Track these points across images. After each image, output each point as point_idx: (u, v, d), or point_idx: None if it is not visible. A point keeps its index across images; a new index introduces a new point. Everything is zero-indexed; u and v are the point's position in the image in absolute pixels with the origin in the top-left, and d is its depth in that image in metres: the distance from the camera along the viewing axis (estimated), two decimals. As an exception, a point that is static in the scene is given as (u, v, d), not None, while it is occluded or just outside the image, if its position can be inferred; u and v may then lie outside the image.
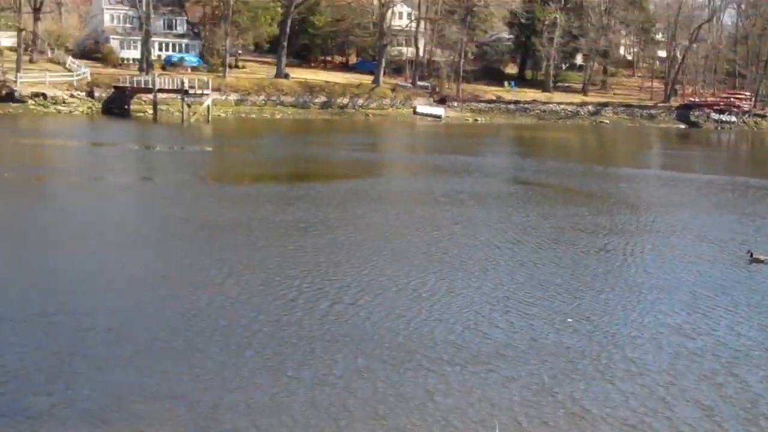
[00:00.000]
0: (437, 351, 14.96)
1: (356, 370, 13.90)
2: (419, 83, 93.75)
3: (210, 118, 71.33)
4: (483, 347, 15.31)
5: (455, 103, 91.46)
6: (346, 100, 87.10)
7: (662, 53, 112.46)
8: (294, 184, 36.49)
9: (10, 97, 72.21)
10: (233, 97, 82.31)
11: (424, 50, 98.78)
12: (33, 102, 72.89)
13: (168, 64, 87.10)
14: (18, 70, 74.30)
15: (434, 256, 22.38)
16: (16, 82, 73.18)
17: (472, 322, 16.73)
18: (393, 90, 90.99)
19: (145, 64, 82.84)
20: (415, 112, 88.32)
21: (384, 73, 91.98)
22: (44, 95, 73.53)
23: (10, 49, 79.67)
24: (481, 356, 14.84)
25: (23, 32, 77.83)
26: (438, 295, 18.49)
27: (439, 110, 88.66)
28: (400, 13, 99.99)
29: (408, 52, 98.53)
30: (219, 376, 13.33)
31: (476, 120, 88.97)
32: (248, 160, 47.67)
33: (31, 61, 79.42)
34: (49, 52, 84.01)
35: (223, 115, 77.15)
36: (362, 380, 13.51)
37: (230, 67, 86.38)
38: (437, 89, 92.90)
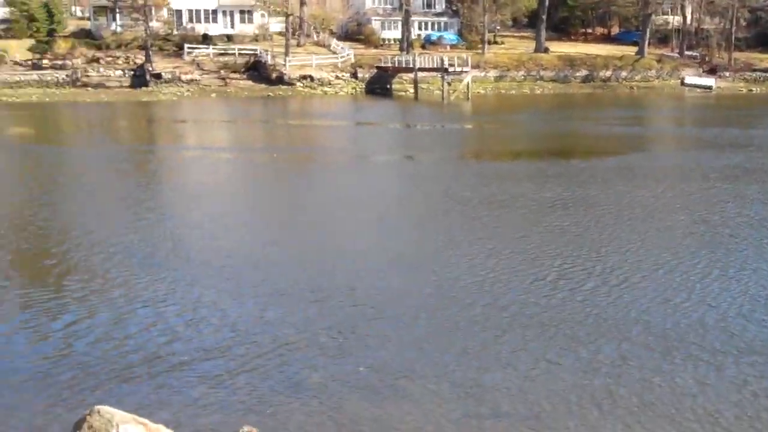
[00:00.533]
0: (708, 339, 14.02)
1: (621, 356, 13.27)
2: (687, 53, 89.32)
3: (469, 96, 71.64)
4: (760, 336, 14.19)
5: (727, 73, 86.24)
6: (608, 73, 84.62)
7: None
8: (554, 161, 35.72)
9: (279, 80, 76.20)
10: (492, 73, 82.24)
11: (692, 18, 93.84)
12: (301, 84, 76.46)
13: (427, 43, 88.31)
14: (286, 54, 78.18)
15: (704, 236, 21.10)
16: (285, 65, 77.02)
17: (747, 308, 15.55)
18: (659, 61, 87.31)
19: (405, 43, 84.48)
20: (682, 84, 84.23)
21: (648, 44, 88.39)
22: (311, 77, 76.91)
23: (279, 34, 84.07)
24: (756, 346, 13.76)
25: (291, 17, 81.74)
26: (709, 279, 17.36)
27: (709, 81, 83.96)
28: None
29: (674, 20, 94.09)
30: (479, 356, 13.19)
31: (750, 90, 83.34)
32: (507, 137, 47.37)
33: (298, 45, 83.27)
34: (315, 36, 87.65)
35: (482, 92, 77.27)
36: (627, 366, 12.88)
37: (489, 43, 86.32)
38: (707, 58, 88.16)
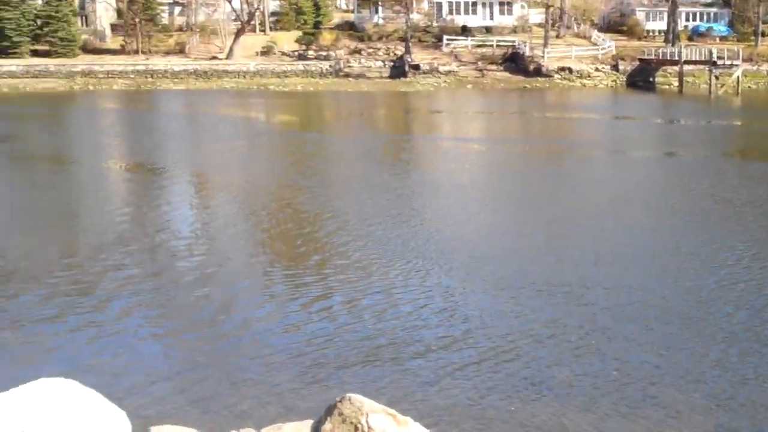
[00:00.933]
0: None
1: None
2: None
3: (739, 90, 67.51)
4: None
5: None
6: None
7: None
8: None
9: (537, 71, 75.50)
10: (765, 67, 77.14)
11: None
12: (559, 76, 75.36)
13: (695, 35, 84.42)
14: (545, 45, 77.32)
15: None
16: (543, 57, 76.17)
17: None
18: None
19: (671, 35, 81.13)
20: None
21: None
22: (569, 69, 75.63)
23: (538, 25, 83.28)
24: None
25: (551, 9, 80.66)
26: None
27: None
28: None
29: None
30: (737, 368, 12.12)
31: None
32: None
33: (557, 37, 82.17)
34: (575, 27, 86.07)
35: (753, 86, 72.68)
36: None
37: (762, 35, 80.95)
38: None
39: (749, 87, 71.11)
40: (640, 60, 75.85)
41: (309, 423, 6.87)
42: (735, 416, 10.69)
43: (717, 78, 67.80)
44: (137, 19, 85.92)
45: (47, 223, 21.34)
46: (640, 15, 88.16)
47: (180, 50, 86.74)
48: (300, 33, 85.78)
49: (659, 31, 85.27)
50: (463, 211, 22.70)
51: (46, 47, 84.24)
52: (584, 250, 18.61)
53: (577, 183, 28.46)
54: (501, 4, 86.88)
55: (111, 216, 22.06)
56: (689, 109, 59.98)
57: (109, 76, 78.85)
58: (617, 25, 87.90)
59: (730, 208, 23.12)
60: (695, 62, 70.88)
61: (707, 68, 68.59)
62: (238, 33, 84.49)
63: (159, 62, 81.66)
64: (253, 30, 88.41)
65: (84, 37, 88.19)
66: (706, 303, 14.88)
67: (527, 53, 77.43)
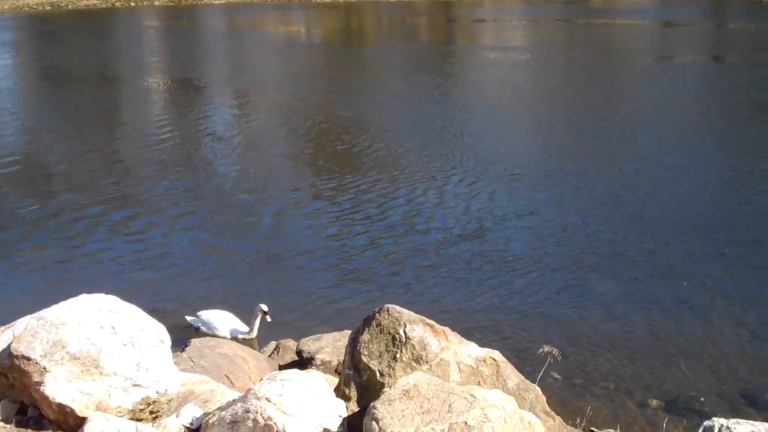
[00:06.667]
0: None
1: None
2: None
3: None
4: None
5: None
6: None
7: None
8: None
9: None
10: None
11: None
12: (606, -19, 73.42)
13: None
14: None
15: None
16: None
17: None
18: None
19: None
20: None
21: None
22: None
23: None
24: None
25: None
26: None
27: None
28: None
29: None
30: None
31: None
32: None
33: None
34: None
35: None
36: None
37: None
38: None
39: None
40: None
41: (347, 333, 6.93)
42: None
43: (770, -21, 65.59)
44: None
45: (92, 137, 21.49)
46: None
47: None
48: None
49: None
50: (505, 125, 22.46)
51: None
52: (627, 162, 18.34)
53: (624, 91, 27.96)
54: None
55: (152, 132, 22.14)
56: (739, 13, 58.28)
57: (150, -9, 78.36)
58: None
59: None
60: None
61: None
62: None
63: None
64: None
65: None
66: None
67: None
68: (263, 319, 9.62)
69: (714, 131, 21.43)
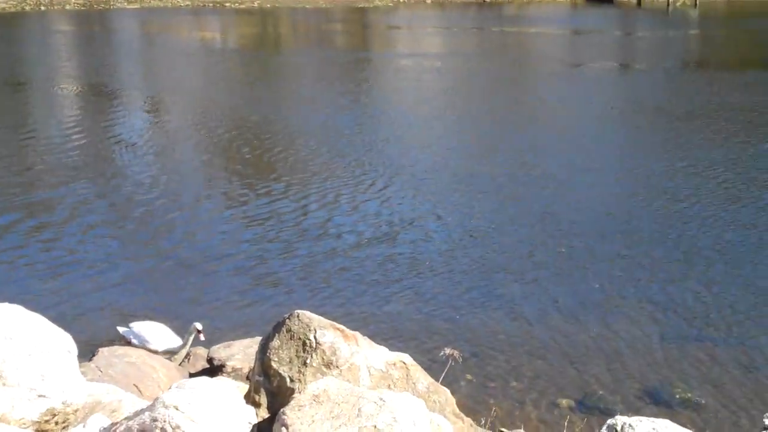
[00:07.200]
0: None
1: None
2: None
3: (697, 2, 67.46)
4: None
5: None
6: None
7: None
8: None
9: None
10: (724, -22, 77.02)
11: None
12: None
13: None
14: (506, -42, 76.44)
15: None
16: (503, -30, 75.38)
17: None
18: None
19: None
20: None
21: None
22: (530, -17, 74.95)
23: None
24: None
25: None
26: None
27: None
28: None
29: None
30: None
31: None
32: (737, 46, 44.29)
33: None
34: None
35: (711, -2, 72.74)
36: None
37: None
38: None
39: (707, -2, 71.11)
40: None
41: (258, 340, 6.93)
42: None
43: (675, -10, 67.72)
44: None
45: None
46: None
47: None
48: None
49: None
50: (416, 130, 22.68)
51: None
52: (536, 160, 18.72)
53: (527, 97, 28.48)
54: None
55: (63, 139, 21.71)
56: (647, 22, 59.90)
57: (61, -5, 76.75)
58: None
59: (675, 118, 23.31)
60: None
61: (666, -20, 68.42)
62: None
63: (111, -20, 79.56)
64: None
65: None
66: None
67: (486, -34, 76.61)
68: (197, 338, 9.51)
69: (620, 136, 22.02)
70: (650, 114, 24.33)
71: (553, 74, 34.53)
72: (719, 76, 32.63)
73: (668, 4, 67.20)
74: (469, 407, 8.06)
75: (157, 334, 9.62)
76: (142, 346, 9.48)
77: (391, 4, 73.05)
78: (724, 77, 32.16)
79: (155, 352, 9.23)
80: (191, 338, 9.42)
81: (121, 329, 9.83)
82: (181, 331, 9.66)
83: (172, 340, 9.62)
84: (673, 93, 28.13)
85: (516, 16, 64.40)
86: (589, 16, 63.92)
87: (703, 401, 8.77)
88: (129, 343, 9.55)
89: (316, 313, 6.41)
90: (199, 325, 9.45)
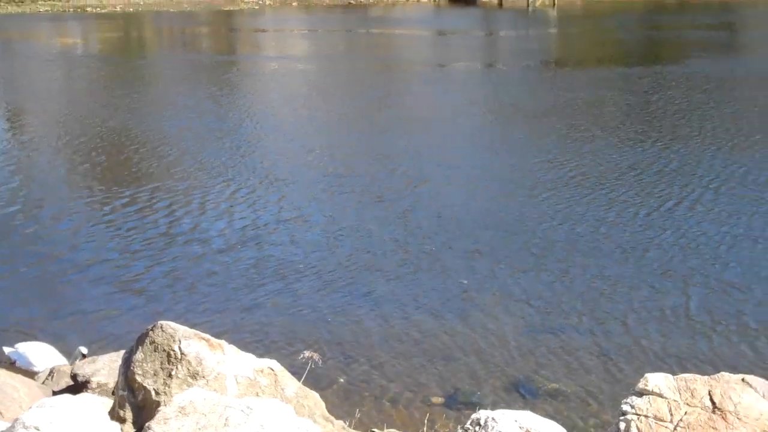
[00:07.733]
0: None
1: None
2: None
3: (555, 2, 69.61)
4: None
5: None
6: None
7: None
8: (642, 66, 34.39)
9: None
10: (580, -22, 79.68)
11: None
12: (384, -9, 75.43)
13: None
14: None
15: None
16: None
17: None
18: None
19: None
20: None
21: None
22: (394, -16, 75.78)
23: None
24: None
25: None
26: None
27: None
28: None
29: None
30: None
31: None
32: (593, 44, 45.95)
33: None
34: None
35: (568, -2, 75.17)
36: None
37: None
38: None
39: (565, -2, 73.44)
40: (461, -26, 76.96)
41: (122, 354, 6.83)
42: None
43: (534, -10, 69.65)
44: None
45: None
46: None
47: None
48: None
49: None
50: (282, 133, 22.64)
51: None
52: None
53: (399, 98, 28.82)
54: None
55: None
56: (509, 22, 61.44)
57: None
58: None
59: (534, 115, 24.04)
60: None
61: (525, -19, 70.31)
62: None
63: (-39, -16, 76.33)
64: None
65: None
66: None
67: (350, -32, 77.05)
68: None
69: (481, 134, 22.52)
70: (509, 112, 25.01)
71: (418, 75, 35.04)
72: (574, 73, 33.85)
73: (528, 5, 69.04)
74: (340, 410, 8.13)
75: (42, 355, 9.39)
76: (27, 368, 9.25)
77: (257, 7, 72.58)
78: (577, 74, 33.36)
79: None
80: (77, 362, 9.22)
81: (7, 350, 9.54)
82: (67, 352, 9.42)
83: (57, 361, 9.39)
84: (531, 91, 28.99)
85: (381, 18, 64.97)
86: (453, 17, 65.08)
87: (564, 389, 9.08)
88: (13, 364, 9.29)
89: (182, 322, 6.37)
90: (84, 350, 9.27)
